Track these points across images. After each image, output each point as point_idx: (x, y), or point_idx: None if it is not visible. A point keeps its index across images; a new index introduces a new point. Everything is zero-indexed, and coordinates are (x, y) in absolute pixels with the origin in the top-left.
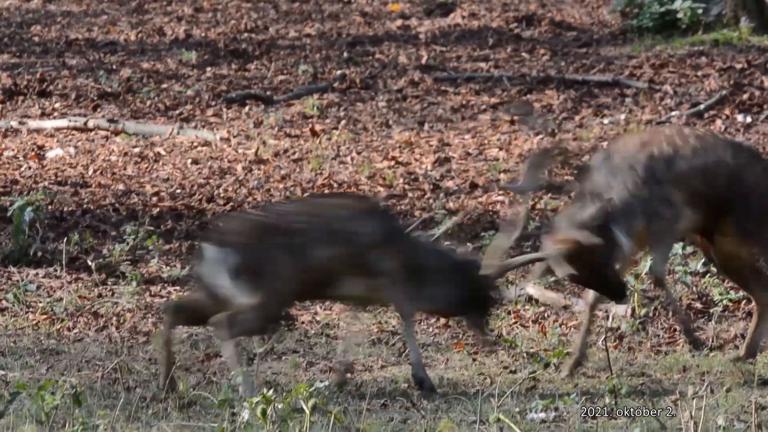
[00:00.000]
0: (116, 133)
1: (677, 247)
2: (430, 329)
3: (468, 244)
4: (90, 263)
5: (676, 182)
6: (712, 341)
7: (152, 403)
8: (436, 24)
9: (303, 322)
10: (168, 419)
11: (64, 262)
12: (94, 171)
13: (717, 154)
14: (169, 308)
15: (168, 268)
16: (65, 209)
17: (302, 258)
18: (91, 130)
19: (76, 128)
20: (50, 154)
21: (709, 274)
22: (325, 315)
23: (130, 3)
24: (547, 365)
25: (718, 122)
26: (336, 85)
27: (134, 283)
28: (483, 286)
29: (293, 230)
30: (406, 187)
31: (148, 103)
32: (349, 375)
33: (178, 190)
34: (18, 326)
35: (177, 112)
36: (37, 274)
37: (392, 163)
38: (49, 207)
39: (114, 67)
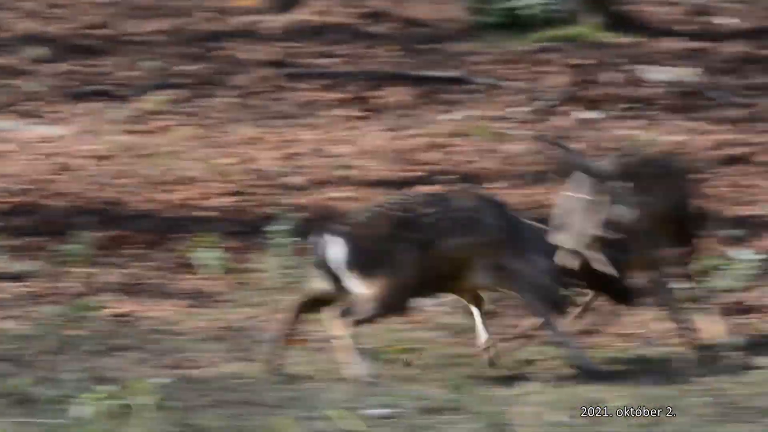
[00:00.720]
0: None
1: None
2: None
3: None
4: None
5: None
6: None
7: None
8: (284, 20)
9: (144, 318)
10: (3, 416)
11: None
12: None
13: None
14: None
15: (14, 264)
16: None
17: (428, 250)
18: None
19: None
20: None
21: None
22: (167, 311)
23: None
24: (387, 361)
25: (564, 119)
26: (184, 80)
27: None
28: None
29: (420, 222)
30: (253, 183)
31: None
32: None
33: (24, 186)
34: None
35: (24, 107)
36: None
37: (239, 159)
38: None
39: None
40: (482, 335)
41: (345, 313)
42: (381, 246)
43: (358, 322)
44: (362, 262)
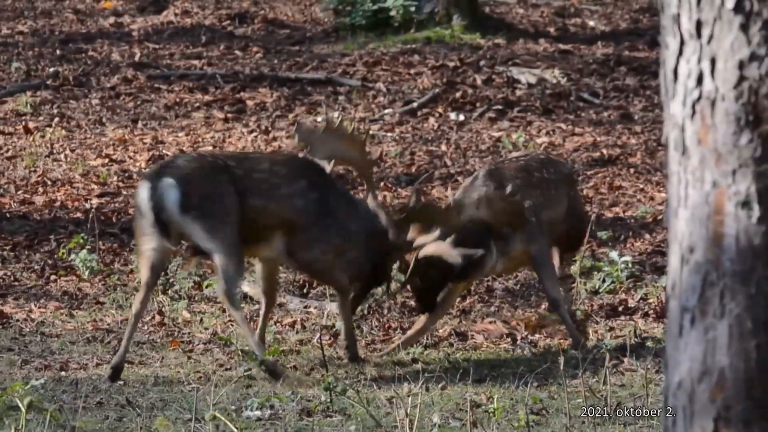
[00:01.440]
0: None
1: None
2: (146, 327)
3: None
4: None
5: None
6: (427, 338)
7: None
8: (149, 21)
9: (18, 320)
10: None
11: None
12: None
13: None
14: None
15: None
16: None
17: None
18: None
19: None
20: None
21: None
22: (40, 313)
23: None
24: (262, 363)
25: (431, 120)
26: (49, 82)
27: None
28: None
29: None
30: (120, 184)
31: None
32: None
33: None
34: None
35: None
36: None
37: (106, 160)
38: None
39: None
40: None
41: (226, 293)
42: (211, 189)
43: (239, 290)
44: (199, 205)
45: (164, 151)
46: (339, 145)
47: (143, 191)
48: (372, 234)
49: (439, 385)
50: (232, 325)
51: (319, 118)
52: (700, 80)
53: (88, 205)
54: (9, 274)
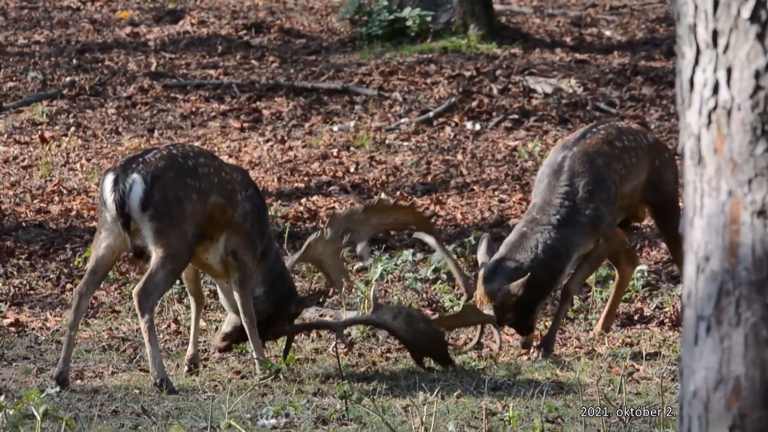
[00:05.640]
0: None
1: (407, 254)
2: (161, 336)
3: None
4: None
5: None
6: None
7: None
8: (165, 31)
9: (33, 329)
10: None
11: None
12: None
13: None
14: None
15: None
16: None
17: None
18: None
19: None
20: None
21: (440, 281)
22: (56, 322)
23: None
24: (278, 371)
25: (447, 129)
26: (65, 91)
27: None
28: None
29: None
30: None
31: None
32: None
33: None
34: None
35: None
36: None
37: None
38: None
39: None
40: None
41: (141, 294)
42: (175, 190)
43: (156, 299)
44: (159, 203)
45: None
46: (386, 219)
47: (108, 184)
48: None
49: (455, 394)
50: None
51: (335, 128)
52: (716, 89)
53: None
54: (25, 282)
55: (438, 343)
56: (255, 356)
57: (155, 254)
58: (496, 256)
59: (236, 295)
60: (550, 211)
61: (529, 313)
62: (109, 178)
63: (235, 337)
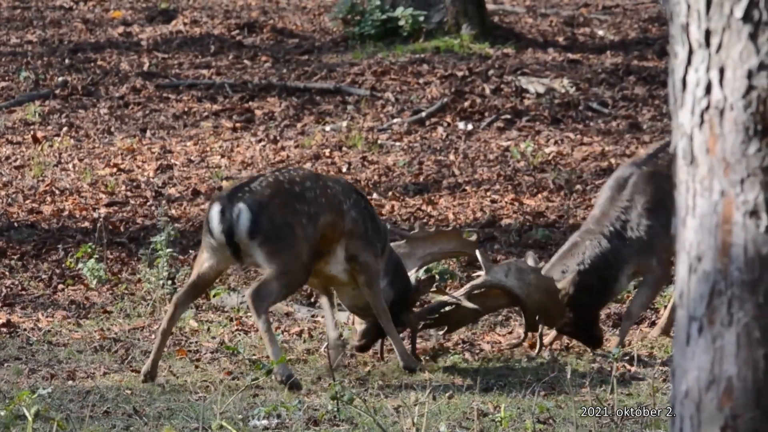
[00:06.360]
0: None
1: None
2: (153, 336)
3: None
4: None
5: None
6: (434, 348)
7: None
8: (157, 31)
9: (25, 329)
10: None
11: None
12: None
13: None
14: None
15: None
16: None
17: (314, 223)
18: None
19: None
20: None
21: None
22: (48, 322)
23: None
24: (269, 372)
25: (440, 129)
26: (58, 91)
27: None
28: None
29: (306, 196)
30: (128, 194)
31: None
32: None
33: None
34: None
35: None
36: None
37: (114, 170)
38: None
39: None
40: (331, 331)
41: (255, 297)
42: (283, 216)
43: (269, 305)
44: (268, 231)
45: (172, 161)
46: (431, 248)
47: (214, 214)
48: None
49: (446, 394)
50: (238, 334)
51: (327, 128)
52: (708, 89)
53: (95, 215)
54: (17, 283)
55: (550, 292)
56: (396, 350)
57: (270, 270)
58: (548, 263)
59: (367, 297)
60: (605, 222)
61: (587, 318)
62: (216, 209)
63: (373, 333)
